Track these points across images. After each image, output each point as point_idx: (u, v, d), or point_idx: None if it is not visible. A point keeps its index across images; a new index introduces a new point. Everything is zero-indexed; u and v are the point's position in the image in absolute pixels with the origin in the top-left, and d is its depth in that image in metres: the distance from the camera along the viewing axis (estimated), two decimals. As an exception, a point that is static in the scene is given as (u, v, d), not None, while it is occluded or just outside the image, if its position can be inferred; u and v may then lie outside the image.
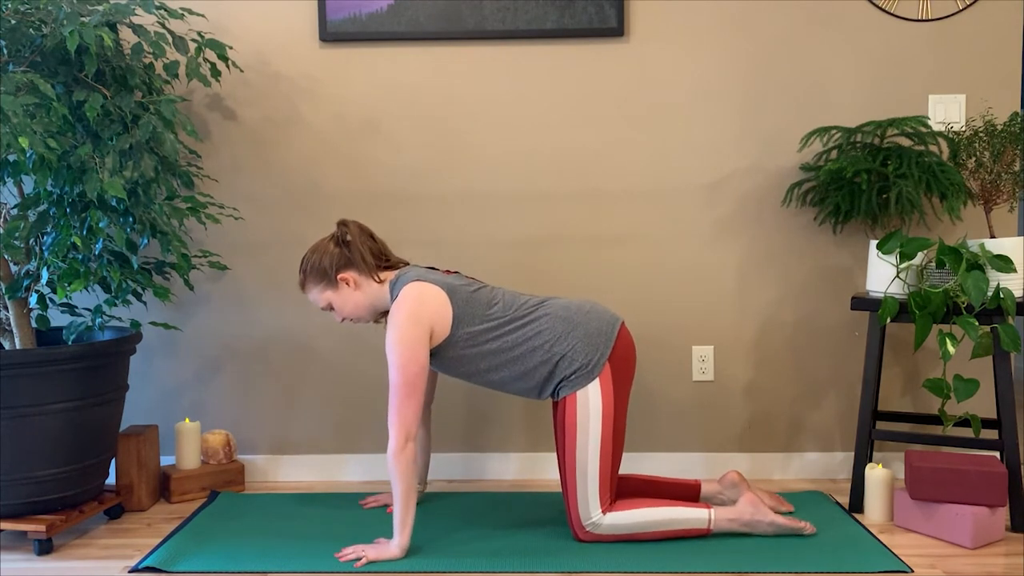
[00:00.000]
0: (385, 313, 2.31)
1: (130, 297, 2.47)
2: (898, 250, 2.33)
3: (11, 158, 2.20)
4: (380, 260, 2.26)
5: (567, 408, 2.15)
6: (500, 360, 2.18)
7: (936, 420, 2.51)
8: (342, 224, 2.25)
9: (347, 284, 2.22)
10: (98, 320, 2.35)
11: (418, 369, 2.09)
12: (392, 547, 2.09)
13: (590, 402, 2.14)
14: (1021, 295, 2.32)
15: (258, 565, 2.08)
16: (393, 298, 2.18)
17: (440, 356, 2.20)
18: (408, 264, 2.30)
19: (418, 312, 2.11)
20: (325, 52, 2.74)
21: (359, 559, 2.07)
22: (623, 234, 2.76)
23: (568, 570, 2.03)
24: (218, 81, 2.60)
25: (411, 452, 2.07)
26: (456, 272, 2.30)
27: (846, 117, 2.71)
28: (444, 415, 2.79)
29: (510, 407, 2.80)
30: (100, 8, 2.23)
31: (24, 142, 1.96)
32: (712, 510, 2.21)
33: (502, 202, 2.76)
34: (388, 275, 2.25)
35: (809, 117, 2.72)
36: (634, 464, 2.78)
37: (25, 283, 2.33)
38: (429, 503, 2.52)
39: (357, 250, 2.21)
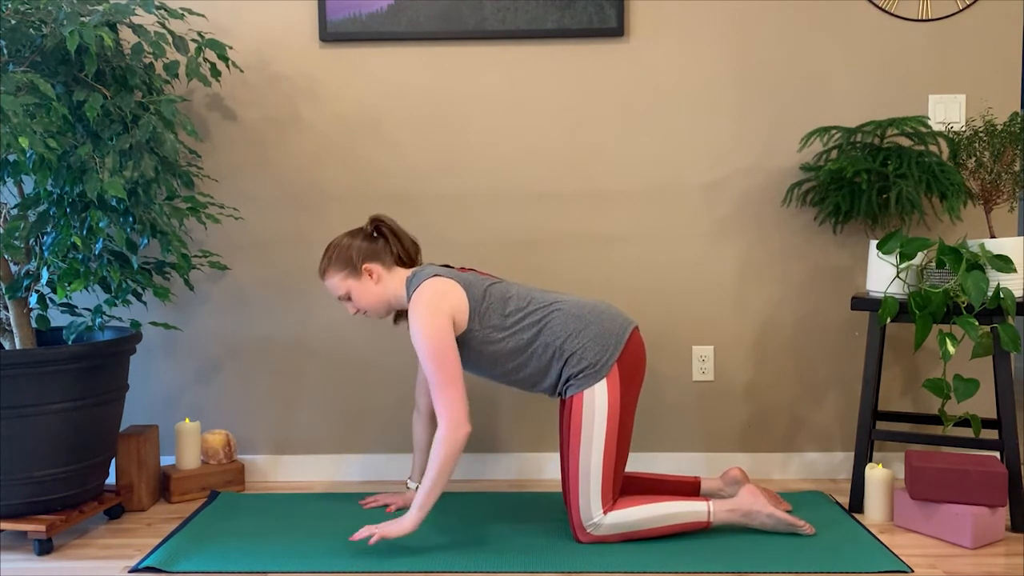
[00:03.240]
0: (400, 313, 2.35)
1: (130, 297, 2.47)
2: (898, 250, 2.33)
3: (11, 158, 2.20)
4: (406, 257, 2.31)
5: (573, 407, 2.16)
6: (517, 359, 2.19)
7: (936, 420, 2.51)
8: (378, 218, 2.29)
9: (369, 276, 2.25)
10: (98, 320, 2.35)
11: (449, 354, 2.09)
12: (405, 521, 2.07)
13: (596, 402, 2.14)
14: (1021, 295, 2.32)
15: (258, 565, 2.08)
16: (410, 295, 2.20)
17: (460, 351, 2.21)
18: (427, 264, 2.33)
19: (437, 303, 2.13)
20: (325, 52, 2.74)
21: (371, 536, 2.06)
22: (623, 234, 2.76)
23: (568, 570, 2.03)
24: (218, 81, 2.60)
25: (460, 439, 2.05)
26: (472, 269, 2.32)
27: (846, 117, 2.71)
28: (444, 415, 2.79)
29: (511, 407, 2.80)
30: (100, 8, 2.23)
31: (24, 142, 1.96)
32: (711, 502, 2.21)
33: (501, 202, 2.76)
34: (406, 272, 2.27)
35: (809, 117, 2.72)
36: (635, 464, 2.78)
37: (25, 283, 2.33)
38: (429, 503, 2.52)
39: (386, 244, 2.27)
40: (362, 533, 2.10)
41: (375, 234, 2.29)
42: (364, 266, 2.24)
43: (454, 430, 2.07)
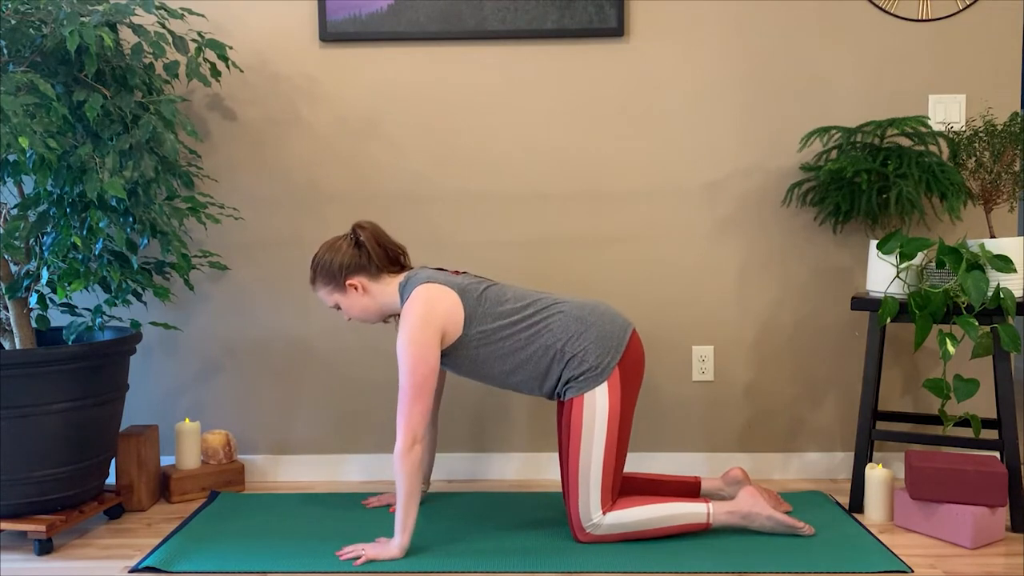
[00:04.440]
0: (395, 316, 2.33)
1: (130, 297, 2.47)
2: (898, 250, 2.33)
3: (11, 158, 2.20)
4: (392, 264, 2.25)
5: (573, 410, 2.15)
6: (514, 360, 2.18)
7: (936, 420, 2.51)
8: (358, 226, 2.24)
9: (355, 289, 2.22)
10: (98, 320, 2.35)
11: (427, 371, 2.09)
12: (392, 547, 2.09)
13: (597, 405, 2.13)
14: (1021, 295, 2.32)
15: (258, 565, 2.08)
16: (403, 300, 2.18)
17: (455, 357, 2.20)
18: (421, 267, 2.30)
19: (429, 314, 2.11)
20: (325, 52, 2.74)
21: (358, 557, 2.07)
22: (623, 234, 2.76)
23: (568, 570, 2.03)
24: (218, 81, 2.60)
25: (417, 454, 2.07)
26: (465, 272, 2.30)
27: (846, 117, 2.71)
28: (445, 415, 2.79)
29: (511, 407, 2.80)
30: (100, 8, 2.23)
31: (24, 142, 1.96)
32: (710, 504, 2.21)
33: (501, 202, 2.76)
34: (398, 277, 2.25)
35: (809, 117, 2.72)
36: (635, 464, 2.78)
37: (25, 283, 2.33)
38: (430, 503, 2.52)
39: (368, 254, 2.21)
40: (349, 553, 2.10)
41: (358, 242, 2.23)
42: (348, 282, 2.21)
43: (409, 447, 2.06)
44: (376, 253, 2.22)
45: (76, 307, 2.55)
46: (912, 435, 2.40)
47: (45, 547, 2.20)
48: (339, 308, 2.27)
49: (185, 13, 2.60)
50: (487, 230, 2.77)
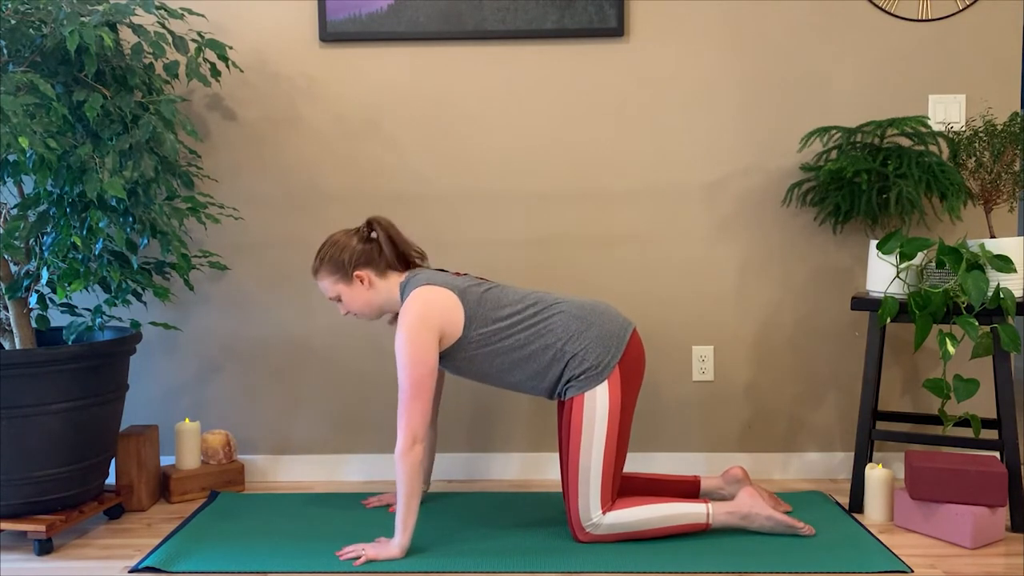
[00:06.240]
0: (394, 315, 2.33)
1: (130, 297, 2.47)
2: (898, 250, 2.33)
3: (11, 158, 2.20)
4: (401, 264, 2.27)
5: (573, 409, 2.15)
6: (513, 359, 2.18)
7: (936, 420, 2.51)
8: (374, 220, 2.25)
9: (361, 282, 2.22)
10: (98, 320, 2.35)
11: (426, 371, 2.09)
12: (392, 546, 2.09)
13: (597, 404, 2.14)
14: (1021, 295, 2.32)
15: (258, 565, 2.08)
16: (402, 300, 2.19)
17: (454, 358, 2.20)
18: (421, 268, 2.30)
19: (426, 315, 2.11)
20: (325, 52, 2.74)
21: (358, 557, 2.07)
22: (623, 234, 2.76)
23: (568, 570, 2.03)
24: (218, 81, 2.60)
25: (417, 454, 2.07)
26: (466, 274, 2.30)
27: (846, 117, 2.71)
28: (445, 415, 2.79)
29: (511, 407, 2.80)
30: (100, 8, 2.23)
31: (24, 142, 1.96)
32: (710, 504, 2.21)
33: (501, 202, 2.76)
34: (400, 276, 2.25)
35: (809, 117, 2.72)
36: (635, 464, 2.78)
37: (25, 283, 2.33)
38: (430, 503, 2.52)
39: (379, 249, 2.23)
40: (349, 553, 2.10)
41: (370, 236, 2.25)
42: (355, 272, 2.21)
43: (410, 447, 2.06)
44: (387, 249, 2.23)
45: (76, 307, 2.55)
46: (912, 435, 2.40)
47: (45, 547, 2.20)
48: (340, 300, 2.26)
49: (185, 13, 2.60)
50: (487, 230, 2.77)
